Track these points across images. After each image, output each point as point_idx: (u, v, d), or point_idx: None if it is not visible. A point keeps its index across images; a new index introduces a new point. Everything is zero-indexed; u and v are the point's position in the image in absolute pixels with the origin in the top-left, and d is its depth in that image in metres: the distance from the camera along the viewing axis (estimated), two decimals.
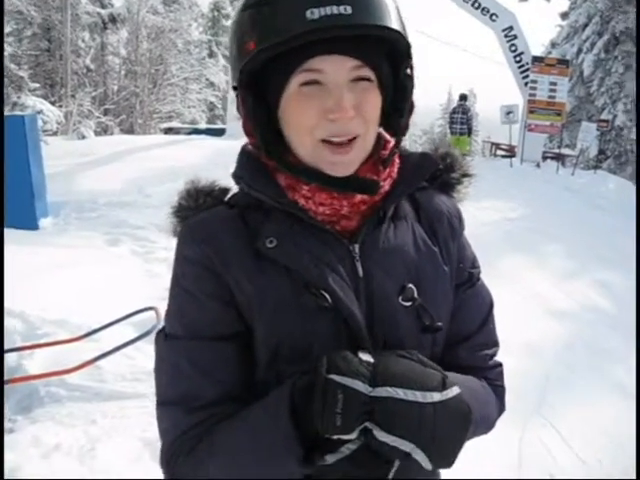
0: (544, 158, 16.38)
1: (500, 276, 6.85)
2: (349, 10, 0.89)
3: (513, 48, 16.09)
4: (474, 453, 2.38)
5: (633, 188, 14.57)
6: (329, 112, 0.94)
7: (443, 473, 1.22)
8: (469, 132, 17.14)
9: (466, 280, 1.15)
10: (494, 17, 16.00)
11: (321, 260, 0.98)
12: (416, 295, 1.03)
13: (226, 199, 1.11)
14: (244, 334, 1.00)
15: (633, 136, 20.45)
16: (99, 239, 6.98)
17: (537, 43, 26.54)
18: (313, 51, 0.92)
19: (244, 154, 1.08)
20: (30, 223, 7.19)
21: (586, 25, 21.52)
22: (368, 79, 0.97)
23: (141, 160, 11.26)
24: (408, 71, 1.03)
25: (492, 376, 1.18)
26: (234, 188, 1.12)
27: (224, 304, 0.99)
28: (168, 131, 21.41)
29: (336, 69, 0.94)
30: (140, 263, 6.16)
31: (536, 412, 4.12)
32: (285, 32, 0.89)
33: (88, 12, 26.11)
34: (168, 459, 1.00)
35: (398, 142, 1.07)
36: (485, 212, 9.96)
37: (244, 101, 0.98)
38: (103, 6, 29.15)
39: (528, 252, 8.11)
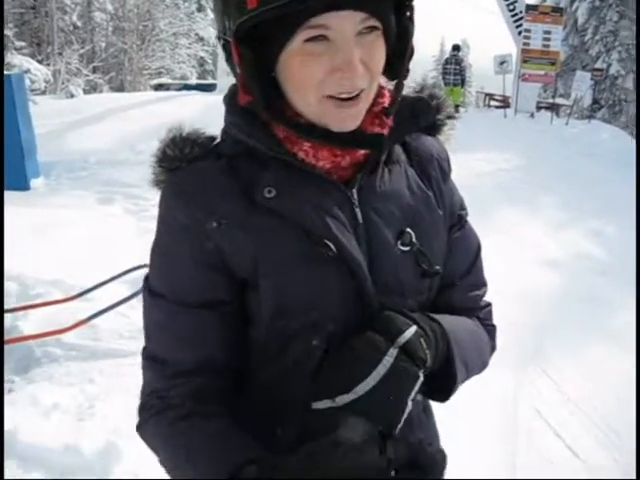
0: (538, 108, 16.30)
1: (494, 227, 6.87)
2: None
3: None
4: (470, 401, 2.41)
5: (627, 137, 14.54)
6: (337, 70, 0.88)
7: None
8: (462, 83, 17.00)
9: (456, 222, 1.14)
10: None
11: (322, 209, 0.96)
12: (414, 239, 1.02)
13: (213, 147, 1.05)
14: (232, 300, 0.97)
15: (627, 85, 20.33)
16: (91, 198, 6.95)
17: None
18: (319, 6, 0.83)
19: (235, 104, 1.00)
20: (21, 184, 7.14)
21: None
22: (374, 28, 0.90)
23: (131, 117, 11.15)
24: (408, 14, 0.96)
25: (483, 316, 1.18)
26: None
27: (213, 269, 0.96)
28: (158, 87, 21.16)
29: (344, 24, 0.86)
30: (133, 221, 6.14)
31: (532, 362, 4.16)
32: None
33: None
34: (140, 409, 1.01)
35: (400, 88, 1.00)
36: (479, 163, 9.96)
37: (241, 56, 0.89)
38: None
39: (522, 203, 8.13)
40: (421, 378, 0.90)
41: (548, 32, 15.44)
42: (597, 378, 4.03)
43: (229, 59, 0.95)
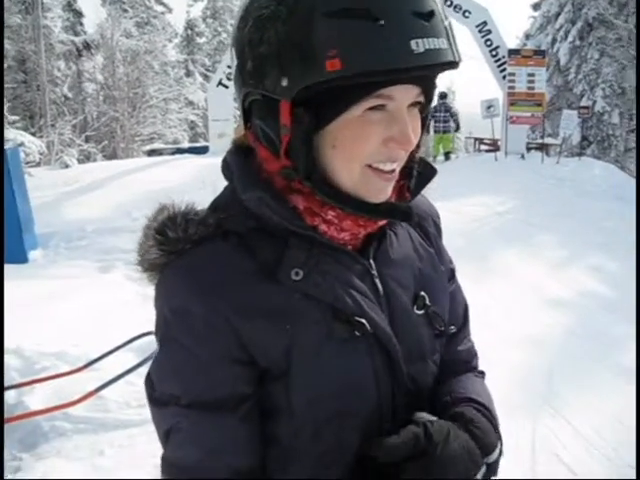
0: (528, 149, 16.47)
1: (494, 270, 6.89)
2: (445, 44, 0.82)
3: (488, 43, 16.19)
4: None
5: (618, 171, 14.66)
6: (391, 141, 0.87)
7: None
8: (457, 128, 17.21)
9: (451, 276, 1.17)
10: (467, 14, 16.11)
11: (349, 285, 0.93)
12: (427, 302, 1.03)
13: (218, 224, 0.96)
14: (253, 395, 0.92)
15: (614, 120, 20.61)
16: (91, 267, 6.94)
17: (511, 36, 26.83)
18: (393, 78, 0.82)
19: (251, 175, 0.94)
20: (20, 257, 7.14)
21: (559, 14, 21.68)
22: (418, 103, 0.91)
23: (126, 184, 11.25)
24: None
25: (475, 364, 1.22)
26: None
27: (236, 364, 0.90)
28: (151, 153, 21.34)
29: (404, 97, 0.86)
30: (135, 287, 6.11)
31: (545, 403, 4.12)
32: (386, 60, 0.78)
33: (62, 41, 26.15)
34: None
35: (416, 160, 1.00)
36: (474, 208, 10.01)
37: (297, 120, 0.84)
38: (76, 34, 29.22)
39: (520, 244, 8.15)
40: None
41: (532, 74, 15.70)
42: (610, 414, 3.99)
43: (264, 117, 0.90)
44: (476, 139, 20.85)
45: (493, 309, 5.66)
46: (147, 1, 35.15)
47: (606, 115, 20.59)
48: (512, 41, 22.95)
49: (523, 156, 15.39)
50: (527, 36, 24.17)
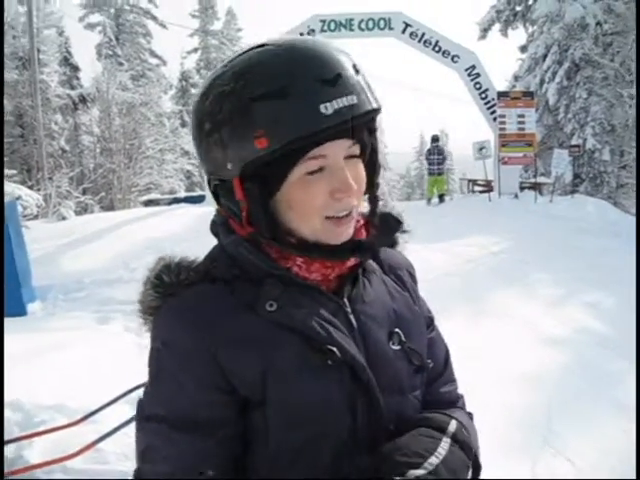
0: (521, 189, 16.66)
1: (490, 310, 6.91)
2: (355, 99, 0.95)
3: (478, 86, 16.50)
4: None
5: (612, 208, 14.77)
6: (337, 192, 0.98)
7: None
8: (439, 172, 17.34)
9: (430, 323, 1.25)
10: (455, 58, 16.46)
11: (321, 317, 1.02)
12: (403, 338, 1.10)
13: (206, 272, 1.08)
14: (233, 423, 0.99)
15: (605, 157, 20.78)
16: (89, 318, 6.95)
17: (501, 78, 27.21)
18: (319, 138, 0.94)
19: (228, 230, 1.08)
20: (18, 310, 7.15)
21: (545, 55, 21.99)
22: (356, 155, 1.03)
23: (123, 235, 11.33)
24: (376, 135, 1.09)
25: (462, 404, 1.26)
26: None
27: (218, 391, 0.98)
28: (148, 203, 21.48)
29: (337, 152, 0.98)
30: (133, 338, 6.11)
31: (545, 443, 4.11)
32: (302, 129, 0.92)
33: (58, 95, 26.49)
34: None
35: (376, 200, 1.12)
36: (469, 249, 10.06)
37: (248, 193, 0.99)
38: (72, 87, 29.64)
39: (516, 284, 8.19)
40: (470, 464, 1.02)
41: (522, 115, 15.98)
42: (611, 453, 3.99)
43: (226, 195, 1.04)
44: (470, 180, 21.08)
45: (489, 349, 5.68)
46: (142, 54, 35.83)
47: (597, 153, 20.76)
48: (501, 83, 23.30)
49: (517, 196, 15.55)
50: (516, 78, 24.44)
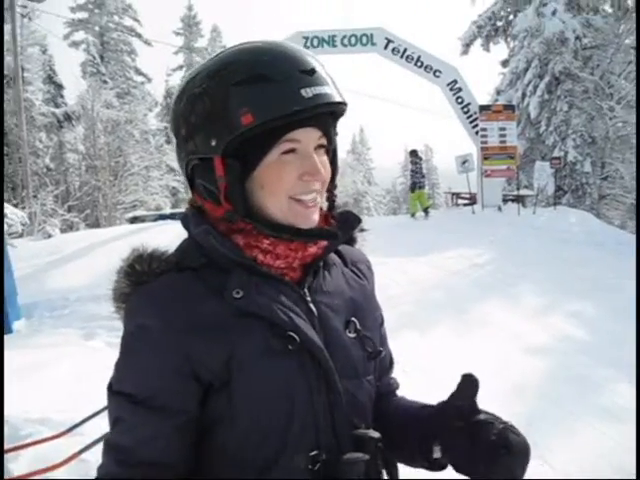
0: (504, 201, 16.77)
1: (475, 322, 6.96)
2: (329, 90, 1.08)
3: (459, 100, 16.67)
4: None
5: (593, 219, 14.92)
6: (305, 174, 1.08)
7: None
8: (413, 187, 17.06)
9: (382, 321, 1.33)
10: (438, 73, 16.63)
11: (283, 304, 1.09)
12: (359, 327, 1.18)
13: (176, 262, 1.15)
14: (193, 410, 1.05)
15: (586, 169, 21.01)
16: (74, 335, 6.94)
17: (483, 92, 27.47)
18: (295, 124, 1.06)
19: (202, 222, 1.13)
20: (5, 328, 7.12)
21: (526, 69, 22.28)
22: (324, 146, 1.13)
23: (108, 252, 11.26)
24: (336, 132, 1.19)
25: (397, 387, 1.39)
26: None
27: (182, 376, 1.04)
28: (134, 220, 21.43)
29: (309, 139, 1.09)
30: (116, 352, 6.12)
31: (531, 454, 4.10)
32: (286, 107, 1.03)
33: (43, 113, 26.44)
34: None
35: (335, 197, 1.23)
36: (453, 261, 10.12)
37: (229, 169, 1.07)
38: (57, 105, 29.60)
39: (499, 294, 8.27)
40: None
41: (503, 129, 16.16)
42: (595, 458, 4.03)
43: (203, 175, 1.12)
44: (453, 194, 21.19)
45: (473, 359, 5.71)
46: (127, 72, 35.88)
47: (578, 164, 20.99)
48: (484, 97, 23.53)
49: (500, 208, 15.66)
50: (498, 92, 24.71)
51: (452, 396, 1.13)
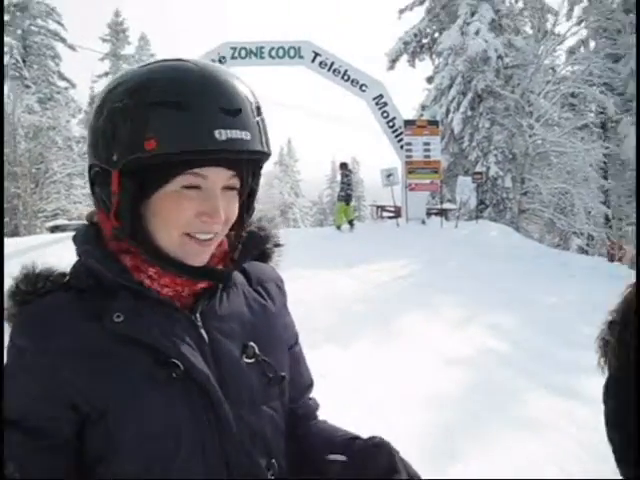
0: (428, 214, 17.12)
1: (397, 334, 7.02)
2: (248, 136, 1.00)
3: (385, 114, 16.95)
4: None
5: (514, 233, 15.39)
6: (204, 215, 1.02)
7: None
8: (346, 198, 17.06)
9: (296, 340, 1.29)
10: (364, 87, 16.89)
11: (169, 331, 1.04)
12: (257, 351, 1.12)
13: (64, 282, 1.10)
14: (71, 435, 1.00)
15: (507, 184, 21.66)
16: None
17: (408, 107, 27.98)
18: (202, 161, 1.00)
19: (89, 235, 1.11)
20: None
21: (451, 86, 22.82)
22: (235, 188, 1.07)
23: (26, 262, 10.94)
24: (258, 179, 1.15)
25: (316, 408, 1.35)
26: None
27: (55, 402, 0.99)
28: (55, 229, 20.83)
29: (217, 178, 1.02)
30: None
31: (449, 465, 4.12)
32: (192, 145, 0.96)
33: None
34: None
35: (240, 238, 1.18)
36: (376, 274, 10.20)
37: (124, 188, 1.01)
38: None
39: (421, 306, 8.38)
40: None
41: (427, 143, 16.51)
42: (515, 467, 4.06)
43: (102, 185, 1.05)
44: (378, 207, 21.46)
45: (394, 371, 5.76)
46: (50, 77, 34.89)
47: (499, 180, 21.59)
48: (409, 112, 23.97)
49: (424, 221, 15.98)
50: (423, 107, 25.20)
51: (367, 465, 1.06)
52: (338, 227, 16.83)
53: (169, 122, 0.97)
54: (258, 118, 1.04)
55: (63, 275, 1.11)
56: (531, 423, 4.78)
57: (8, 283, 1.09)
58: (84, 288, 1.07)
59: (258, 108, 1.05)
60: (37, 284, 1.08)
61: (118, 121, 1.00)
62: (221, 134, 0.97)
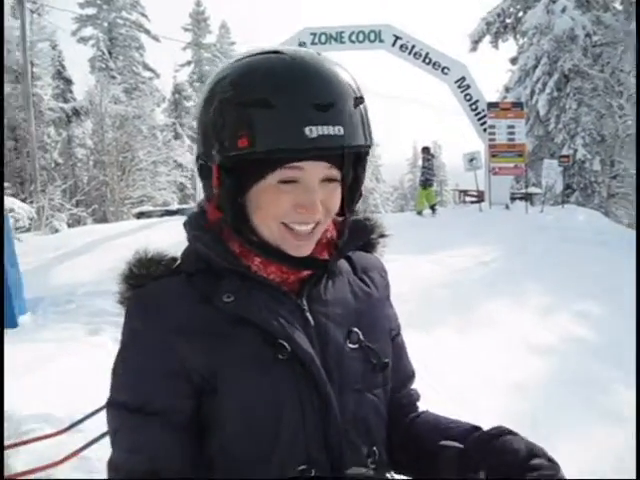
0: (512, 199, 16.70)
1: (481, 320, 6.92)
2: (342, 131, 0.97)
3: (468, 97, 16.61)
4: None
5: (602, 217, 14.85)
6: (300, 207, 1.02)
7: None
8: (424, 183, 16.97)
9: (398, 332, 1.28)
10: (446, 70, 16.58)
11: (276, 312, 1.05)
12: (361, 337, 1.12)
13: (175, 266, 1.15)
14: (189, 410, 1.02)
15: (595, 167, 20.94)
16: (80, 330, 6.93)
17: (492, 89, 27.35)
18: (299, 155, 0.99)
19: (200, 222, 1.13)
20: (9, 322, 7.12)
21: (535, 67, 22.18)
22: (335, 179, 1.06)
23: (115, 247, 11.27)
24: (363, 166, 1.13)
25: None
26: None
27: (174, 378, 1.01)
28: (140, 215, 21.49)
29: (313, 171, 1.02)
30: None
31: None
32: (283, 144, 0.95)
33: (51, 108, 26.55)
34: None
35: (347, 224, 1.16)
36: (459, 259, 10.06)
37: (221, 181, 1.03)
38: (66, 100, 29.69)
39: (506, 293, 8.20)
40: None
41: (512, 126, 16.07)
42: (597, 459, 4.01)
43: (206, 178, 1.08)
44: (461, 191, 21.15)
45: (479, 357, 5.70)
46: (135, 67, 35.93)
47: (587, 163, 20.91)
48: (493, 95, 23.39)
49: (507, 206, 15.61)
50: (507, 89, 24.59)
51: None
52: (419, 212, 16.65)
53: (259, 120, 0.96)
54: (356, 110, 1.01)
55: (174, 260, 1.16)
56: (618, 415, 4.63)
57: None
58: (193, 272, 1.11)
59: (357, 98, 1.02)
60: (150, 268, 1.12)
61: (217, 118, 1.02)
62: (312, 131, 0.95)
